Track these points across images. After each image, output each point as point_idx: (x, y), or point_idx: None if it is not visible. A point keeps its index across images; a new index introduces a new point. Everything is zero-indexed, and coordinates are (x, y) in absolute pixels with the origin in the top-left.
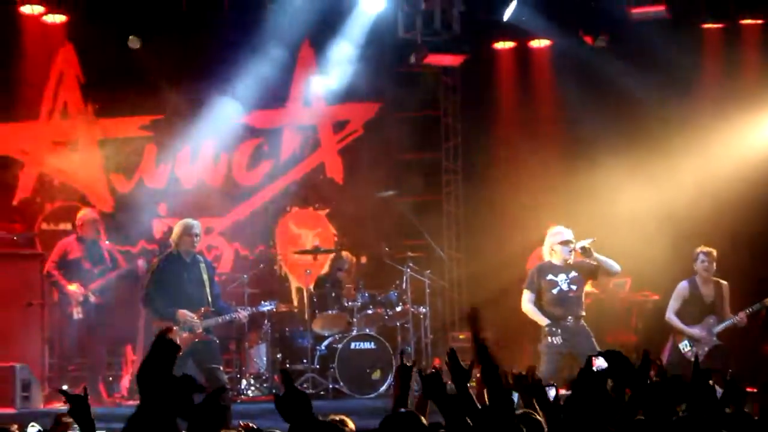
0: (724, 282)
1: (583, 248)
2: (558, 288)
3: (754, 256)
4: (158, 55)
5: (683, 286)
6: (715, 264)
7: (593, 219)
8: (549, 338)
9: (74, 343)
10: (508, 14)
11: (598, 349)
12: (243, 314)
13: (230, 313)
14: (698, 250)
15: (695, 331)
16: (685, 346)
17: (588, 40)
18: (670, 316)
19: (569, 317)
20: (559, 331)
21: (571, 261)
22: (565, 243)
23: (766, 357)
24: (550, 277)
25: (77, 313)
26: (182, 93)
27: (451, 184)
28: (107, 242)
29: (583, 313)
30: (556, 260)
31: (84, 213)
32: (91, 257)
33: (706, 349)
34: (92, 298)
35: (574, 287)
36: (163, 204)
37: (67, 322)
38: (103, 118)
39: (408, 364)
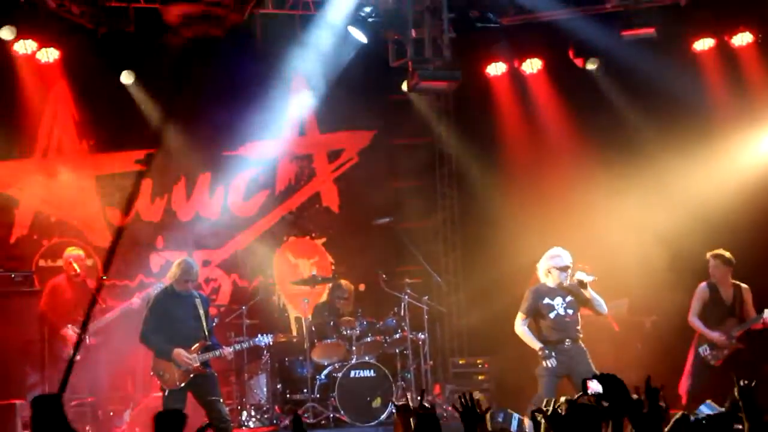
0: (745, 285)
1: (580, 281)
2: (555, 312)
3: (750, 277)
4: (151, 90)
5: (702, 287)
6: (728, 266)
7: (590, 241)
8: (544, 362)
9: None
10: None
11: (594, 367)
12: (227, 351)
13: (218, 351)
14: (710, 254)
15: (715, 334)
16: (704, 350)
17: (579, 62)
18: (693, 318)
19: (567, 340)
20: (554, 354)
21: (566, 284)
22: (563, 268)
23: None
24: (546, 300)
25: (72, 355)
26: (175, 126)
27: (447, 209)
28: (104, 277)
29: (581, 335)
30: (551, 283)
31: (67, 253)
32: (80, 296)
33: (726, 352)
34: (88, 340)
35: (570, 311)
36: (160, 237)
37: (63, 360)
38: (97, 153)
39: (410, 404)
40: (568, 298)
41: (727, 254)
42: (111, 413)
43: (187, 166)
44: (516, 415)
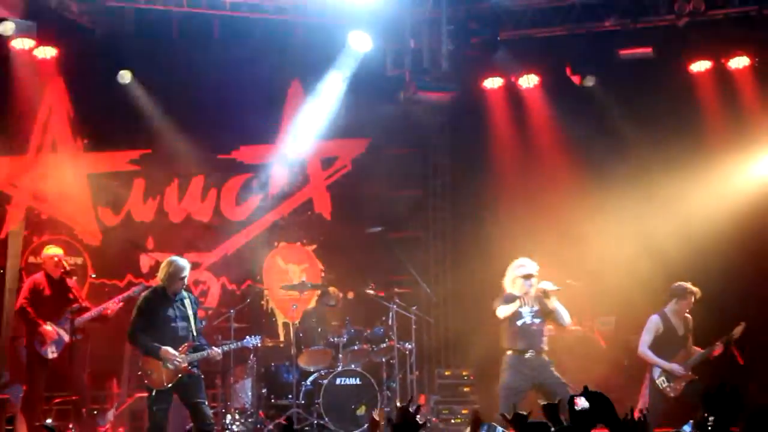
0: (689, 315)
1: (544, 291)
2: (522, 320)
3: (742, 296)
4: (148, 90)
5: (656, 320)
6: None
7: (581, 257)
8: (504, 373)
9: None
10: (497, 53)
11: (561, 378)
12: (215, 352)
13: (206, 351)
14: (688, 287)
15: (674, 366)
16: (663, 381)
17: (576, 79)
18: (644, 350)
19: (530, 351)
20: (517, 364)
21: (531, 293)
22: (527, 277)
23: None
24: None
25: (51, 353)
26: (170, 128)
27: (439, 221)
28: (92, 276)
29: (545, 347)
30: (517, 292)
31: (46, 252)
32: (59, 295)
33: (683, 384)
34: (66, 338)
35: (537, 320)
36: (151, 238)
37: (41, 357)
38: (91, 152)
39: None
40: (536, 308)
41: (693, 288)
42: (95, 412)
43: (180, 168)
44: (501, 429)
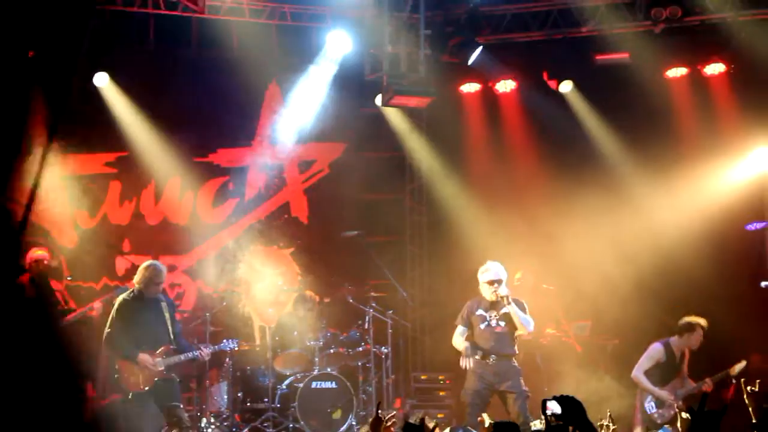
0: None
1: (501, 296)
2: (486, 323)
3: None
4: (124, 93)
5: (658, 348)
6: None
7: (556, 263)
8: (464, 359)
9: None
10: (473, 58)
11: (523, 387)
12: (205, 352)
13: (192, 352)
14: (701, 323)
15: (664, 394)
16: (651, 407)
17: (552, 84)
18: (639, 375)
19: (493, 355)
20: (480, 368)
21: (492, 299)
22: (490, 282)
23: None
24: (480, 312)
25: None
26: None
27: (415, 225)
28: (68, 278)
29: (513, 351)
30: (486, 296)
31: (31, 254)
32: (42, 297)
33: (672, 412)
34: None
35: (502, 323)
36: (127, 241)
37: None
38: (67, 154)
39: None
40: (502, 311)
41: (704, 324)
42: None
43: (157, 170)
44: None
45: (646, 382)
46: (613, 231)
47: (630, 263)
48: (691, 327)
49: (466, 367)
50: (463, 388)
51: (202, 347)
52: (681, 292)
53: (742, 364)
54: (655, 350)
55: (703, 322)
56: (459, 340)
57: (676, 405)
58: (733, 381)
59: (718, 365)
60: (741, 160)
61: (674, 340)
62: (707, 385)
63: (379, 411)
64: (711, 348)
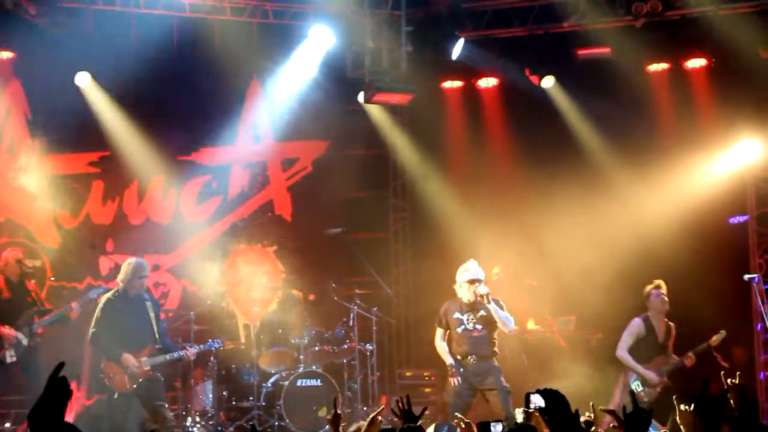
0: (672, 323)
1: (481, 295)
2: (463, 327)
3: (696, 296)
4: (107, 91)
5: (638, 323)
6: (666, 300)
7: (540, 257)
8: (450, 379)
9: (11, 382)
10: (456, 52)
11: (505, 384)
12: (191, 351)
13: (177, 351)
14: (652, 286)
15: (650, 373)
16: (637, 386)
17: (534, 79)
18: (623, 353)
19: (472, 356)
20: (462, 369)
21: (471, 300)
22: (471, 282)
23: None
24: (456, 315)
25: (10, 357)
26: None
27: (399, 221)
28: (51, 278)
29: (493, 352)
30: (465, 297)
31: (5, 253)
32: (18, 298)
33: (658, 390)
34: (24, 341)
35: (479, 326)
36: (110, 240)
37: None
38: (50, 154)
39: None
40: (480, 314)
41: (663, 287)
42: None
43: (140, 169)
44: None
45: (630, 360)
46: (596, 225)
47: (613, 257)
48: (646, 294)
49: (454, 383)
50: (445, 389)
51: (187, 347)
52: (665, 287)
53: (722, 334)
54: (634, 325)
55: (654, 284)
56: (441, 345)
57: (661, 383)
58: (714, 353)
59: (702, 358)
60: (723, 153)
61: (650, 312)
62: (689, 359)
63: (338, 407)
64: (694, 341)
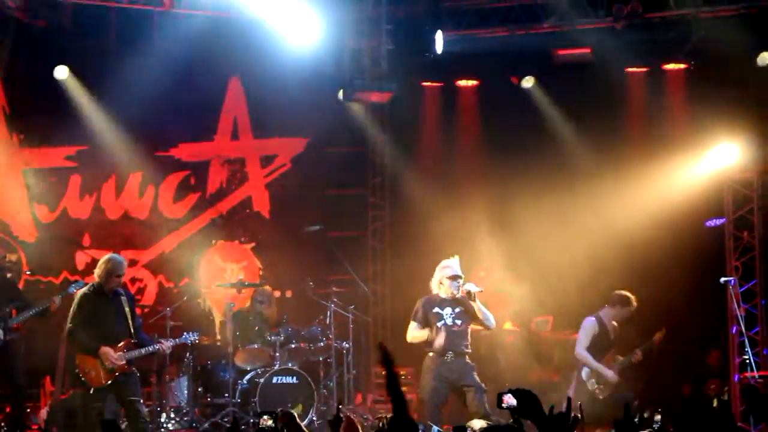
0: (616, 323)
1: (468, 292)
2: (443, 322)
3: (673, 298)
4: (85, 86)
5: (592, 321)
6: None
7: (517, 257)
8: (424, 378)
9: None
10: (438, 46)
11: (480, 383)
12: (166, 345)
13: (153, 345)
14: (630, 297)
15: (609, 372)
16: (593, 383)
17: (514, 80)
18: (582, 351)
19: (449, 352)
20: (439, 366)
21: (458, 295)
22: (453, 278)
23: (684, 396)
24: (436, 309)
25: None
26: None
27: (378, 220)
28: (27, 272)
29: (468, 350)
30: (444, 294)
31: None
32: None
33: (612, 386)
34: (1, 336)
35: (458, 321)
36: (87, 235)
37: None
38: (27, 147)
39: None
40: (458, 309)
41: (635, 302)
42: (27, 410)
43: (118, 164)
44: (436, 428)
45: (590, 358)
46: (574, 227)
47: (590, 259)
48: (624, 301)
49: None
50: (419, 385)
51: (162, 341)
52: (642, 289)
53: (662, 332)
54: (589, 323)
55: (635, 302)
56: (417, 332)
57: (615, 378)
58: (651, 351)
59: (679, 361)
60: (701, 156)
61: (605, 311)
62: (637, 355)
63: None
64: (672, 344)
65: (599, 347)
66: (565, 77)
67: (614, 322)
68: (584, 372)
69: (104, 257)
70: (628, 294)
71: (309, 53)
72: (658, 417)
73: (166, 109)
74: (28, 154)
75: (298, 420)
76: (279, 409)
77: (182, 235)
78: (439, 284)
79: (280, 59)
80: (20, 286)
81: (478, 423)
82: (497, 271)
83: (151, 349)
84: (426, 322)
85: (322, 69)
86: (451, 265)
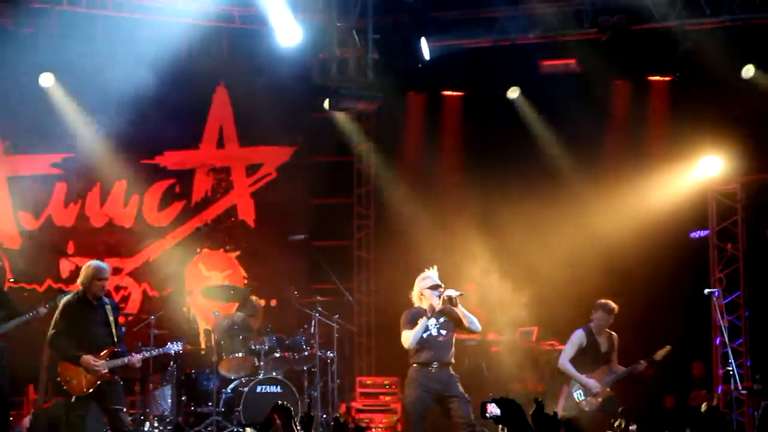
0: (615, 333)
1: (449, 297)
2: (428, 333)
3: (657, 309)
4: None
5: (579, 334)
6: (612, 317)
7: (503, 267)
8: (409, 379)
9: None
10: (425, 53)
11: (464, 394)
12: (136, 358)
13: (127, 357)
14: (611, 307)
15: (591, 382)
16: (579, 395)
17: (499, 91)
18: (565, 363)
19: (434, 362)
20: (421, 377)
21: (438, 306)
22: (434, 288)
23: (667, 409)
24: (421, 321)
25: None
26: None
27: (363, 229)
28: (11, 280)
29: (452, 360)
30: (425, 305)
31: None
32: None
33: (600, 399)
34: None
35: (443, 332)
36: (72, 243)
37: None
38: (12, 154)
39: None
40: (442, 319)
41: (613, 305)
42: (10, 418)
43: (102, 172)
44: None
45: (572, 370)
46: (558, 237)
47: (574, 269)
48: (605, 306)
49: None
50: (403, 395)
51: (134, 353)
52: (626, 299)
53: (666, 349)
54: (576, 336)
55: (614, 305)
56: (410, 332)
57: (603, 393)
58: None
59: (662, 372)
60: (686, 168)
61: (594, 323)
62: (642, 365)
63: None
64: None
65: (588, 359)
66: (550, 88)
67: (613, 333)
68: (574, 385)
69: (86, 264)
70: (605, 300)
71: (295, 62)
72: (633, 427)
73: (152, 117)
74: (13, 161)
75: (293, 420)
76: (279, 401)
77: (167, 243)
78: (420, 296)
79: (265, 68)
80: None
81: None
82: (484, 280)
83: (125, 361)
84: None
85: (308, 78)
86: (430, 275)
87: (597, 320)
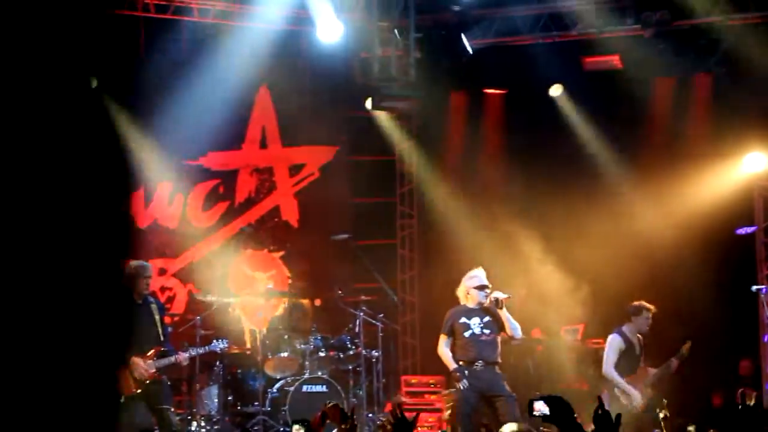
0: (641, 335)
1: (496, 299)
2: (470, 331)
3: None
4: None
5: (617, 338)
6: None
7: (547, 265)
8: (456, 383)
9: None
10: (467, 47)
11: (510, 392)
12: (183, 356)
13: (173, 356)
14: (649, 309)
15: (635, 393)
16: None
17: (542, 88)
18: (610, 370)
19: (479, 361)
20: (466, 372)
21: (486, 304)
22: (481, 288)
23: (715, 407)
24: (463, 320)
25: None
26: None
27: (406, 228)
28: None
29: (498, 359)
30: (471, 304)
31: None
32: None
33: (646, 399)
34: None
35: (487, 331)
36: None
37: None
38: None
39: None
40: (486, 319)
41: (653, 307)
42: None
43: (147, 173)
44: None
45: (618, 378)
46: (603, 236)
47: (620, 268)
48: (637, 310)
49: (460, 387)
50: (449, 394)
51: (180, 352)
52: (671, 297)
53: (688, 344)
54: (615, 341)
55: (649, 306)
56: (445, 352)
57: (647, 395)
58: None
59: (709, 370)
60: (731, 165)
61: (626, 327)
62: (674, 364)
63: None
64: (702, 353)
65: (628, 363)
66: (593, 86)
67: (639, 335)
68: (617, 390)
69: (128, 264)
70: (641, 302)
71: (337, 62)
72: (692, 428)
73: (195, 119)
74: None
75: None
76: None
77: (211, 244)
78: (466, 294)
79: (308, 68)
80: None
81: (508, 428)
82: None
83: (173, 360)
84: (453, 333)
85: (350, 78)
86: (477, 275)
87: (638, 324)
